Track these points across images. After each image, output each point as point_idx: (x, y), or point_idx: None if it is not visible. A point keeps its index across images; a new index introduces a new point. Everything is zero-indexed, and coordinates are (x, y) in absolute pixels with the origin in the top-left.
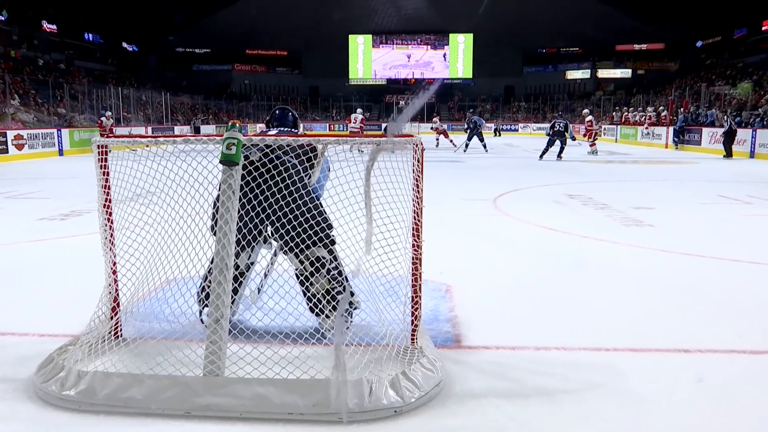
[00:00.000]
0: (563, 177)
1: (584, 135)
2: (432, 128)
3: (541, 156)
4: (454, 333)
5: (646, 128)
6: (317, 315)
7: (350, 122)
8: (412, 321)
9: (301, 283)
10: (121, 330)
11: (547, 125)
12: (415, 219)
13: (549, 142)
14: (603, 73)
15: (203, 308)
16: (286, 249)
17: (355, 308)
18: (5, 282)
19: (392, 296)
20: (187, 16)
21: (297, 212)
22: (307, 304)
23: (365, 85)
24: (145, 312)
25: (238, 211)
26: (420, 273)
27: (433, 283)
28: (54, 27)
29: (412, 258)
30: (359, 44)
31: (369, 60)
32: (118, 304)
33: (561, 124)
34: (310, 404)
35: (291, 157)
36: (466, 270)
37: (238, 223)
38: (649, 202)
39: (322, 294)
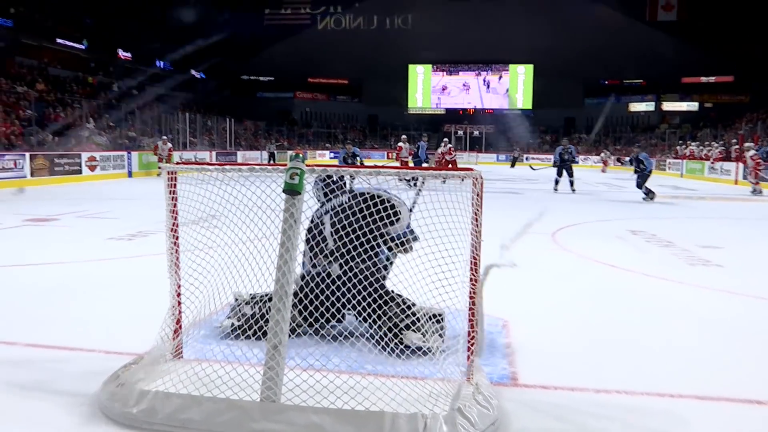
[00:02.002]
0: (625, 212)
1: (751, 173)
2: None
3: (650, 195)
4: (510, 370)
5: (712, 163)
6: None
7: (401, 151)
8: (468, 356)
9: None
10: (182, 351)
11: (613, 158)
12: (473, 252)
13: (643, 176)
14: (668, 106)
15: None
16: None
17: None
18: (75, 299)
19: (447, 329)
20: (252, 46)
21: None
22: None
23: (424, 114)
24: (206, 334)
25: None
26: (477, 307)
27: (490, 317)
28: (129, 55)
29: (470, 291)
30: (419, 73)
31: (428, 89)
32: (180, 326)
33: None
34: None
35: (365, 258)
36: (524, 305)
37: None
38: (716, 240)
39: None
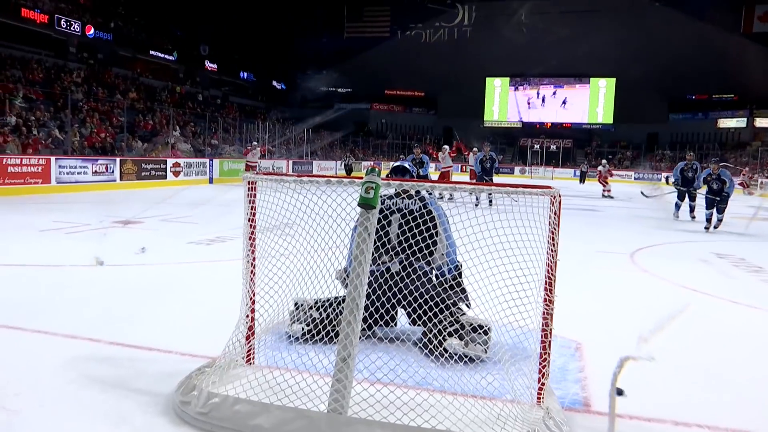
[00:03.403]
0: (711, 234)
1: None
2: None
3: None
4: (582, 395)
5: None
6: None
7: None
8: (539, 379)
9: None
10: (253, 357)
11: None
12: (548, 272)
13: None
14: (762, 122)
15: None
16: (420, 318)
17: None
18: (155, 300)
19: (519, 350)
20: (332, 58)
21: (436, 299)
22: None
23: (500, 127)
24: (277, 341)
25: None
26: (551, 329)
27: (563, 339)
28: (215, 66)
29: (543, 312)
30: (496, 86)
31: (505, 102)
32: (252, 332)
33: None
34: None
35: (424, 264)
36: (599, 328)
37: (375, 304)
38: None
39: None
